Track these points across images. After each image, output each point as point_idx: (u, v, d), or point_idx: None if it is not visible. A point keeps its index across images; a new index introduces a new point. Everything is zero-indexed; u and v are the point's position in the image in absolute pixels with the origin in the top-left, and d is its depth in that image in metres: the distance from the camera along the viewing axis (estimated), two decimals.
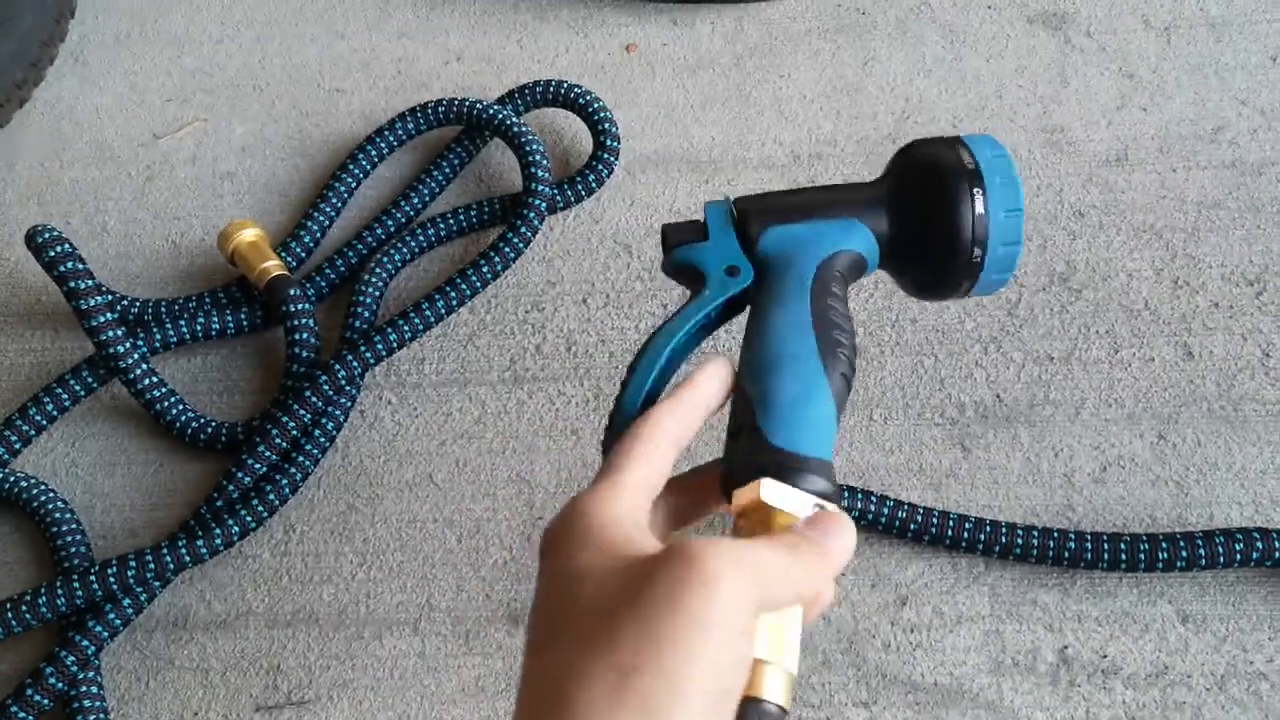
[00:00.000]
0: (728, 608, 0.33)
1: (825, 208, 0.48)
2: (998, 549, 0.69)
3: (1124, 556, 0.67)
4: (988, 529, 0.69)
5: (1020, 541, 0.69)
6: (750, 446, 0.41)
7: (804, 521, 0.39)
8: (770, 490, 0.39)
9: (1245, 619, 0.68)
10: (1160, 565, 0.67)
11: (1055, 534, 0.69)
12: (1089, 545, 0.68)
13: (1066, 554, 0.68)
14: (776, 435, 0.41)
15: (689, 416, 0.42)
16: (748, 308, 0.47)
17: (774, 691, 0.35)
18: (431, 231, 0.86)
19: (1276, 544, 0.67)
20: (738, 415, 0.43)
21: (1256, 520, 0.71)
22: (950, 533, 0.69)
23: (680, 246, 0.48)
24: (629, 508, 0.38)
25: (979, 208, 0.45)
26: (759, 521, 0.40)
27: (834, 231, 0.47)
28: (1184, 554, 0.67)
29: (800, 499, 0.39)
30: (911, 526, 0.70)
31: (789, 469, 0.40)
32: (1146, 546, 0.67)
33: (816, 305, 0.44)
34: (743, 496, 0.40)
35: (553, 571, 0.37)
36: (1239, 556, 0.67)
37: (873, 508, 0.70)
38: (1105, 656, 0.67)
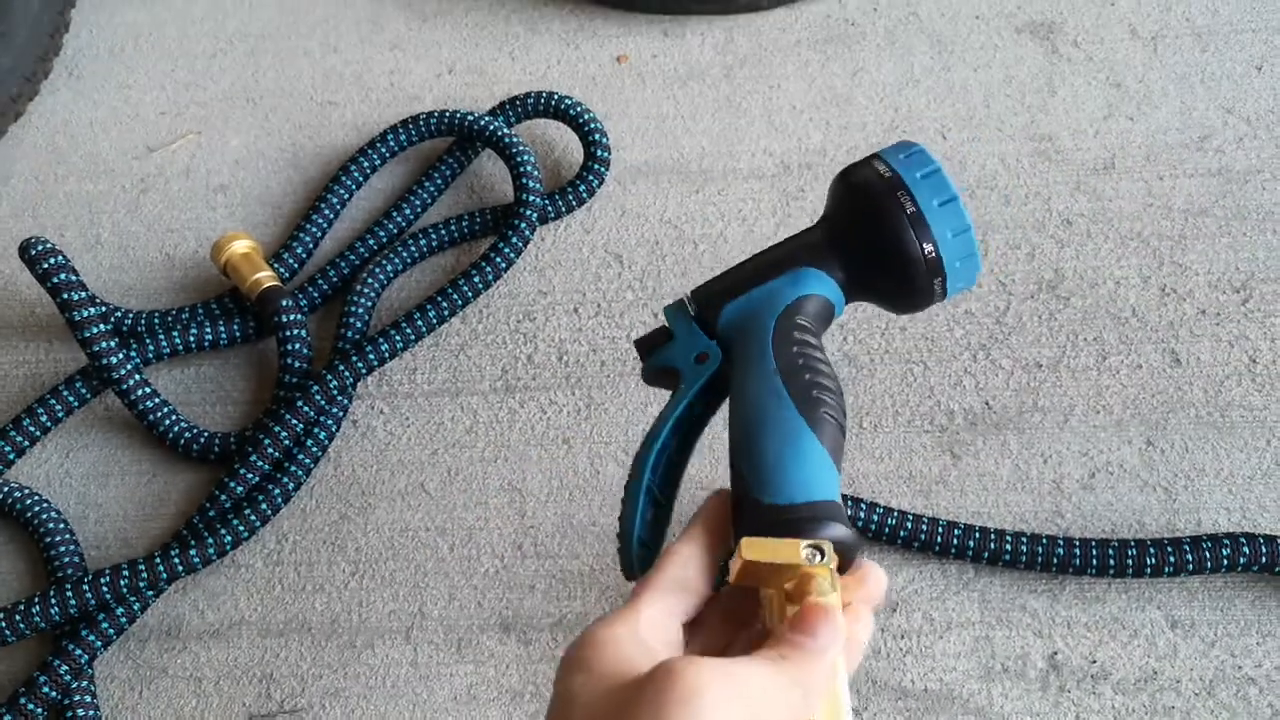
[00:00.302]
0: None
1: (773, 267, 0.48)
2: (987, 555, 0.69)
3: (1113, 562, 0.68)
4: (977, 535, 0.70)
5: (1009, 548, 0.69)
6: (747, 519, 0.41)
7: (786, 623, 0.38)
8: (751, 548, 0.38)
9: (1233, 624, 0.68)
10: (1149, 571, 0.67)
11: (1044, 540, 0.69)
12: (1078, 551, 0.68)
13: (1055, 560, 0.68)
14: (766, 496, 0.40)
15: (702, 540, 0.42)
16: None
17: None
18: (423, 242, 0.87)
19: (1264, 549, 0.67)
20: (736, 496, 0.42)
21: (1244, 525, 0.71)
22: (940, 539, 0.70)
23: (652, 353, 0.48)
24: (633, 630, 0.38)
25: (909, 207, 0.46)
26: (774, 585, 0.39)
27: (786, 286, 0.47)
28: (1172, 559, 0.67)
29: (785, 546, 0.38)
30: (901, 533, 0.70)
31: (779, 522, 0.39)
32: (1135, 552, 0.68)
33: (782, 358, 0.44)
34: (735, 568, 0.39)
35: (556, 692, 0.38)
36: (1226, 561, 0.67)
37: (862, 515, 0.70)
38: (1094, 662, 0.68)
